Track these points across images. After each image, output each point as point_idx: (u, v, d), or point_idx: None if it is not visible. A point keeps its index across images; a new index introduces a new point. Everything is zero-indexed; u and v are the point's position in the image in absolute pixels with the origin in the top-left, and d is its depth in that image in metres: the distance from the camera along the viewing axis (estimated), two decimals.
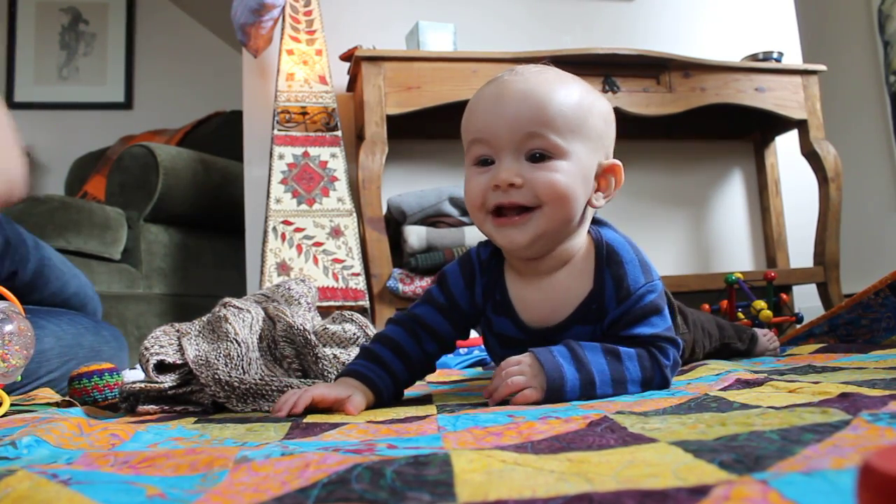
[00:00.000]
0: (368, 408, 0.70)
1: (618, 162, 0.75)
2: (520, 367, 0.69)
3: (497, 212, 0.71)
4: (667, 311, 0.75)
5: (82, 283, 1.25)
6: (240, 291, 1.93)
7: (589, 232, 0.77)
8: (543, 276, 0.76)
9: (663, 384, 0.72)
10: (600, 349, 0.71)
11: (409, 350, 0.77)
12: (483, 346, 0.95)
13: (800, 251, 2.26)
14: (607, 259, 0.74)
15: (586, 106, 0.71)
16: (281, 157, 1.77)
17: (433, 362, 0.81)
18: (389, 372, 0.74)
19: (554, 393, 0.67)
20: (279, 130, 1.79)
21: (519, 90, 0.70)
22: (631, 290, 0.72)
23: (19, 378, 0.82)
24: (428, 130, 2.01)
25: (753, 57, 2.14)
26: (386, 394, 0.73)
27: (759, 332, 1.15)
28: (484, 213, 0.72)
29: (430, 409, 0.68)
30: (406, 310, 0.82)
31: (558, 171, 0.69)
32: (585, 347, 0.70)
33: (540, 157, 0.69)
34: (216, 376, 0.73)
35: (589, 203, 0.73)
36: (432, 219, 1.77)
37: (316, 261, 1.71)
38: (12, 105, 3.27)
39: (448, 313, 0.79)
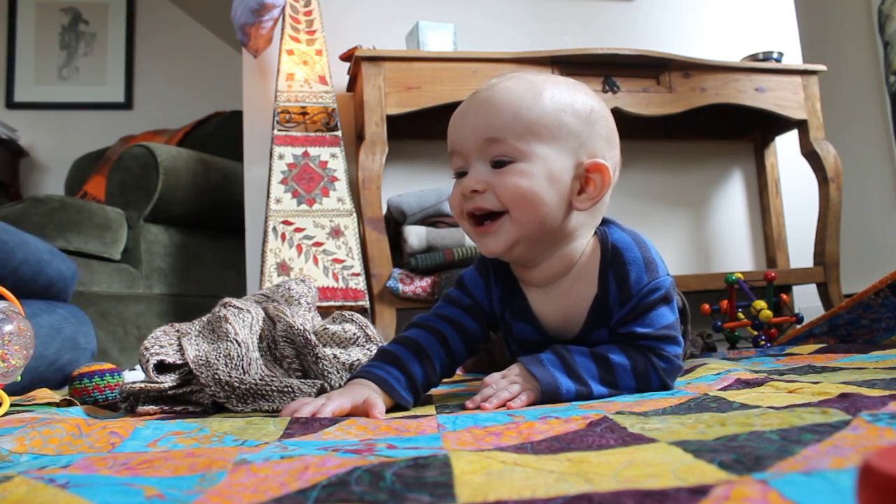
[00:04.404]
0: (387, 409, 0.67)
1: (602, 160, 0.70)
2: (512, 378, 0.69)
3: (477, 221, 0.72)
4: (669, 308, 0.72)
5: (32, 248, 1.19)
6: (240, 291, 1.93)
7: (596, 233, 0.75)
8: (551, 284, 0.75)
9: (662, 389, 0.72)
10: (588, 354, 0.71)
11: (431, 352, 0.74)
12: None
13: (800, 251, 2.26)
14: (611, 260, 0.72)
15: (555, 106, 0.69)
16: (281, 157, 1.77)
17: (457, 365, 0.78)
18: (406, 373, 0.71)
19: (550, 399, 0.67)
20: (279, 130, 1.79)
21: (481, 99, 0.71)
22: (632, 292, 0.71)
23: (19, 378, 0.82)
24: (428, 130, 2.01)
25: (753, 57, 2.14)
26: (405, 395, 0.70)
27: None
28: (465, 223, 0.73)
29: (430, 409, 0.68)
30: (429, 312, 0.80)
31: (519, 174, 0.68)
32: (574, 352, 0.70)
33: (502, 162, 0.69)
34: (216, 376, 0.73)
35: (571, 206, 0.71)
36: (432, 219, 1.77)
37: (316, 261, 1.71)
38: (12, 105, 3.27)
39: (474, 313, 0.78)
